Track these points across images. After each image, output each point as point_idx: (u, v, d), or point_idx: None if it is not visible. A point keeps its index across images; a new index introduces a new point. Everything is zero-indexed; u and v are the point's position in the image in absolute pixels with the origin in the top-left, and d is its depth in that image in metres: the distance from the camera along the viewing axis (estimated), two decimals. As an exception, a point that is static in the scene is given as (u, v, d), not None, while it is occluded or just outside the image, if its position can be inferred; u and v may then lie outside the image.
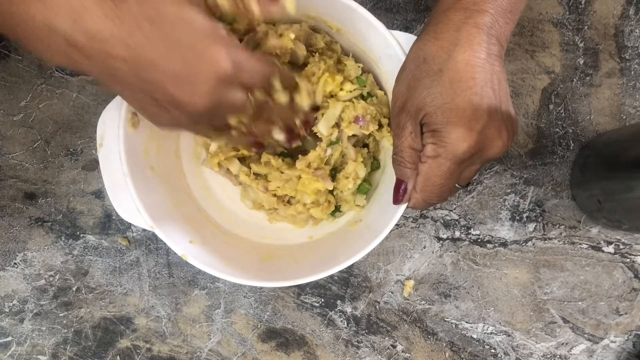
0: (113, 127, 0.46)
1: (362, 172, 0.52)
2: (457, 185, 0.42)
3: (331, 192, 0.54)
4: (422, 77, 0.39)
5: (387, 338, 0.58)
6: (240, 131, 0.43)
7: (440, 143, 0.39)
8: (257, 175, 0.54)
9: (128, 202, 0.47)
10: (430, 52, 0.39)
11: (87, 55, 0.34)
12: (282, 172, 0.52)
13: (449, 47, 0.38)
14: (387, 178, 0.52)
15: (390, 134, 0.48)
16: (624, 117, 0.58)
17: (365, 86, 0.52)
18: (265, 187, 0.53)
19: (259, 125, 0.44)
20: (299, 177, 0.52)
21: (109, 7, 0.33)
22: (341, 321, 0.58)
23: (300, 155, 0.52)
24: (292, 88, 0.46)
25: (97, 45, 0.33)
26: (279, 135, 0.46)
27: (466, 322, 0.58)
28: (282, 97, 0.44)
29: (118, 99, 0.47)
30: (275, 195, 0.53)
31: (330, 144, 0.52)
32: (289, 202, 0.54)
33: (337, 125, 0.52)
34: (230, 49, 0.37)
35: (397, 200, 0.44)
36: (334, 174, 0.53)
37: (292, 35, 0.49)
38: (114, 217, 0.59)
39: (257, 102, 0.41)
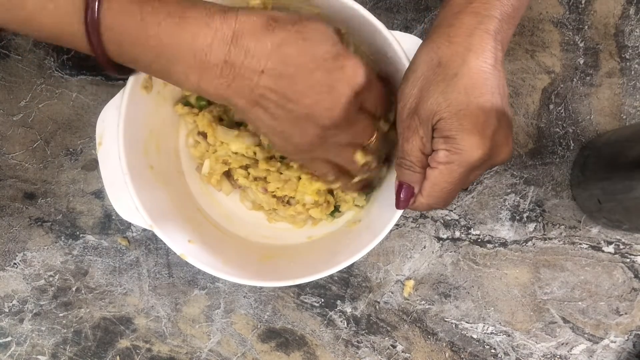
0: (112, 126, 0.46)
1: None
2: None
3: (330, 192, 0.54)
4: (437, 80, 0.39)
5: (387, 338, 0.58)
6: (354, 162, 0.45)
7: (453, 150, 0.38)
8: (255, 177, 0.54)
9: (127, 201, 0.47)
10: (445, 56, 0.39)
11: (234, 91, 0.38)
12: (280, 173, 0.52)
13: (464, 52, 0.38)
14: (386, 179, 0.52)
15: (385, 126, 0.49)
16: (624, 117, 0.58)
17: None
18: (265, 188, 0.53)
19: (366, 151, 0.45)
20: (299, 178, 0.52)
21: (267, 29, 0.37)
22: (341, 321, 0.58)
23: None
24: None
25: (246, 81, 0.37)
26: (363, 159, 0.45)
27: (466, 322, 0.58)
28: (384, 126, 0.47)
29: (117, 97, 0.47)
30: (274, 196, 0.53)
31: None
32: (288, 202, 0.54)
33: None
34: (358, 65, 0.39)
35: (400, 204, 0.43)
36: None
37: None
38: (113, 217, 0.59)
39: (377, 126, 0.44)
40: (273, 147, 0.41)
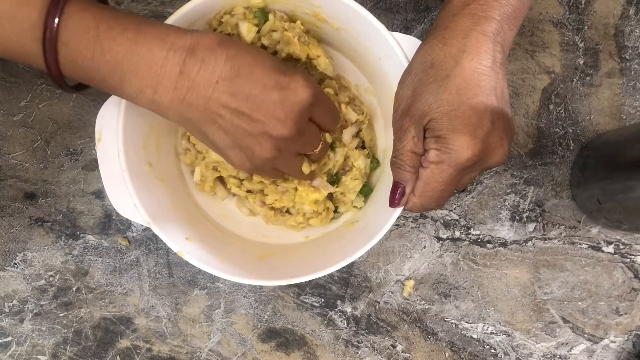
0: (112, 123, 0.46)
1: (368, 167, 0.53)
2: (454, 190, 0.42)
3: (329, 196, 0.54)
4: (429, 82, 0.39)
5: (387, 338, 0.58)
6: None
7: (444, 149, 0.39)
8: (249, 191, 0.54)
9: (125, 198, 0.47)
10: (438, 57, 0.39)
11: (189, 103, 0.38)
12: (277, 185, 0.52)
13: (457, 53, 0.38)
14: (384, 180, 0.52)
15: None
16: (624, 117, 0.58)
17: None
18: (263, 202, 0.53)
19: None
20: (296, 189, 0.52)
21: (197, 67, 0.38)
22: (341, 321, 0.58)
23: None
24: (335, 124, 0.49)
25: (200, 94, 0.38)
26: (307, 168, 0.48)
27: (466, 322, 0.58)
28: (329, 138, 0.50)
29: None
30: (272, 208, 0.53)
31: (332, 148, 0.52)
32: (287, 211, 0.54)
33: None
34: (307, 78, 0.41)
35: (393, 203, 0.43)
36: (335, 179, 0.53)
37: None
38: (114, 217, 0.59)
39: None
40: (231, 164, 0.43)
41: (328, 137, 0.49)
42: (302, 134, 0.42)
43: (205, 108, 0.38)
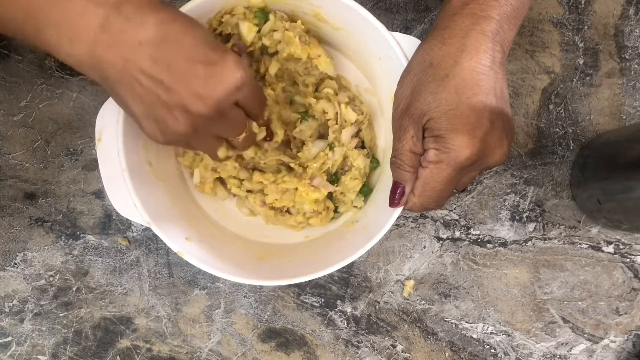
0: (112, 122, 0.46)
1: (367, 167, 0.53)
2: (454, 189, 0.42)
3: (329, 196, 0.54)
4: (427, 81, 0.39)
5: (387, 338, 0.58)
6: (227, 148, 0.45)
7: (442, 149, 0.39)
8: (250, 191, 0.53)
9: (125, 198, 0.47)
10: (437, 57, 0.39)
11: (107, 61, 0.36)
12: (277, 184, 0.52)
13: (456, 53, 0.38)
14: (384, 180, 0.52)
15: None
16: (624, 117, 0.58)
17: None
18: (263, 201, 0.53)
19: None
20: (296, 189, 0.52)
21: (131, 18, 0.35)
22: (341, 321, 0.58)
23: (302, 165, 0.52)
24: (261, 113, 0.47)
25: (120, 53, 0.35)
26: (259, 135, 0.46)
27: (466, 322, 0.58)
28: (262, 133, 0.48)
29: None
30: (273, 207, 0.53)
31: (331, 148, 0.52)
32: (288, 211, 0.54)
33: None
34: (239, 60, 0.38)
35: (393, 203, 0.43)
36: (334, 178, 0.53)
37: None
38: (114, 217, 0.59)
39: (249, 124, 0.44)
40: (144, 133, 0.40)
41: (255, 127, 0.47)
42: (223, 117, 0.40)
43: (124, 70, 0.36)
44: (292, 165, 0.52)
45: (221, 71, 0.37)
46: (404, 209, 0.44)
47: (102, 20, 0.34)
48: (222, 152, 0.44)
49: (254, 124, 0.46)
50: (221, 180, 0.55)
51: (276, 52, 0.51)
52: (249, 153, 0.51)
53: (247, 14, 0.49)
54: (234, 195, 0.56)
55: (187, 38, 0.36)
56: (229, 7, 0.49)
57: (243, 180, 0.53)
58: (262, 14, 0.49)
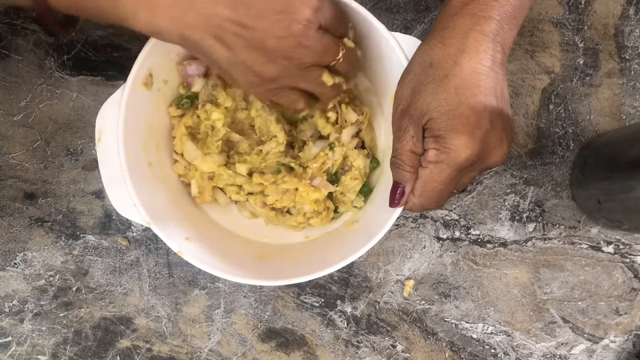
0: (112, 122, 0.46)
1: (367, 167, 0.53)
2: (454, 190, 0.42)
3: (329, 196, 0.54)
4: (427, 81, 0.39)
5: (387, 338, 0.58)
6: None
7: (442, 149, 0.39)
8: (250, 193, 0.53)
9: (125, 198, 0.47)
10: (437, 57, 0.39)
11: (189, 23, 0.36)
12: (277, 185, 0.52)
13: (456, 53, 0.38)
14: (384, 180, 0.52)
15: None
16: (624, 117, 0.58)
17: None
18: (264, 203, 0.53)
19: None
20: (296, 189, 0.52)
21: None
22: (341, 321, 0.58)
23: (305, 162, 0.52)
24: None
25: (198, 10, 0.36)
26: (330, 80, 0.44)
27: (466, 322, 0.58)
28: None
29: (117, 93, 0.46)
30: (273, 208, 0.53)
31: (331, 147, 0.52)
32: (288, 212, 0.54)
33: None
34: None
35: (393, 203, 0.43)
36: (334, 178, 0.53)
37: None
38: (114, 217, 0.59)
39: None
40: (235, 83, 0.40)
41: (348, 42, 0.44)
42: (313, 44, 0.40)
43: (207, 25, 0.37)
44: (292, 165, 0.52)
45: (298, 1, 0.38)
46: (404, 209, 0.44)
47: None
48: (327, 78, 0.43)
49: (346, 41, 0.44)
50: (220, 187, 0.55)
51: None
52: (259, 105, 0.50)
53: None
54: (236, 202, 0.55)
55: None
56: None
57: (241, 186, 0.53)
58: None
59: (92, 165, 0.59)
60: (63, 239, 0.59)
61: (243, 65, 0.39)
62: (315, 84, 0.43)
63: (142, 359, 0.59)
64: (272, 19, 0.37)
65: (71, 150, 0.59)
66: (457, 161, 0.38)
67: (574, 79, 0.58)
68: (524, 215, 0.58)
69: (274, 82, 0.41)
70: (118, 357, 0.59)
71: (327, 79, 0.43)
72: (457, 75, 0.38)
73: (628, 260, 0.57)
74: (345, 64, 0.43)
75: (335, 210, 0.55)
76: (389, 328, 0.58)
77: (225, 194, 0.54)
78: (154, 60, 0.48)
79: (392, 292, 0.58)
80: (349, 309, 0.58)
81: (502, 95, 0.39)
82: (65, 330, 0.59)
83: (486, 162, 0.40)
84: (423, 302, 0.58)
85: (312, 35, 0.39)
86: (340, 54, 0.42)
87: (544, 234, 0.58)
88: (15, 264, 0.59)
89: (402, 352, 0.58)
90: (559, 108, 0.58)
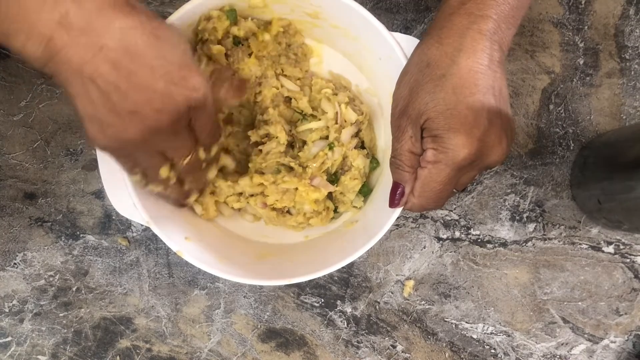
0: None
1: (367, 167, 0.53)
2: (453, 189, 0.42)
3: (329, 196, 0.54)
4: (425, 81, 0.39)
5: (387, 338, 0.58)
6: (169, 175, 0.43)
7: (440, 149, 0.38)
8: (251, 195, 0.53)
9: (125, 198, 0.47)
10: (434, 57, 0.39)
11: (63, 61, 0.33)
12: (277, 185, 0.52)
13: (453, 52, 0.38)
14: (384, 180, 0.52)
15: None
16: (624, 117, 0.58)
17: None
18: (264, 203, 0.53)
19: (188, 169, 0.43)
20: (296, 189, 0.52)
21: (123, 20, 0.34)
22: (341, 321, 0.58)
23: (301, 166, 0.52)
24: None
25: (77, 53, 0.33)
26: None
27: (466, 322, 0.58)
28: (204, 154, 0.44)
29: None
30: (274, 208, 0.53)
31: (330, 147, 0.52)
32: (288, 212, 0.54)
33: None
34: (203, 82, 0.38)
35: (393, 203, 0.43)
36: (334, 178, 0.53)
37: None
38: (114, 217, 0.59)
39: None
40: (86, 135, 0.38)
41: (202, 153, 0.43)
42: (175, 134, 0.38)
43: (79, 70, 0.34)
44: (292, 165, 0.52)
45: (181, 91, 0.36)
46: (403, 209, 0.44)
47: (60, 17, 0.32)
48: (164, 171, 0.42)
49: (201, 151, 0.43)
50: None
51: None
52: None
53: (220, 16, 0.49)
54: (239, 209, 0.55)
55: (152, 51, 0.35)
56: (206, 13, 0.48)
57: (241, 193, 0.53)
58: (232, 14, 0.49)
59: (92, 165, 0.59)
60: (63, 239, 0.59)
61: (100, 123, 0.36)
62: (150, 167, 0.42)
63: (142, 359, 0.59)
64: (150, 96, 0.35)
65: (71, 150, 0.59)
66: (456, 161, 0.38)
67: (574, 79, 0.58)
68: (524, 215, 0.58)
69: (118, 146, 0.38)
70: (118, 357, 0.59)
71: (164, 171, 0.42)
72: (454, 75, 0.38)
73: (628, 260, 0.57)
74: (185, 168, 0.43)
75: (335, 210, 0.55)
76: (389, 328, 0.58)
77: (227, 204, 0.54)
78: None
79: (392, 292, 0.58)
80: (349, 309, 0.58)
81: (500, 94, 0.39)
82: (65, 331, 0.59)
83: (485, 161, 0.40)
84: (423, 302, 0.58)
85: (179, 127, 0.38)
86: (189, 157, 0.42)
87: (544, 234, 0.58)
88: (15, 264, 0.59)
89: (402, 352, 0.58)
90: (559, 108, 0.58)
